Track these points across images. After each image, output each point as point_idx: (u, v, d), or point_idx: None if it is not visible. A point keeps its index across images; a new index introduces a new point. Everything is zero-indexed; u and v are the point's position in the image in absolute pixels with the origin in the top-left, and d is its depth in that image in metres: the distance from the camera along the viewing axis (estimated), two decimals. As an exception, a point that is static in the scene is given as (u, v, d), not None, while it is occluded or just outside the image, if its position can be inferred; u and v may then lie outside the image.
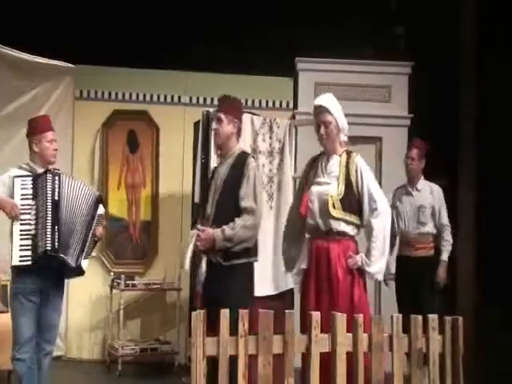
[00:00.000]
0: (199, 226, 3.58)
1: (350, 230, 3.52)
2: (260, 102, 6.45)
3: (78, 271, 3.81)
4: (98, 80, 6.26)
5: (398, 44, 6.34)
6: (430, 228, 4.95)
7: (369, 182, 3.56)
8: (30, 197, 3.66)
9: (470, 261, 6.16)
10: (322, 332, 2.77)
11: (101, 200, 3.98)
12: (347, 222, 3.50)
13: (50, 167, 3.81)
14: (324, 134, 3.58)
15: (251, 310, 2.79)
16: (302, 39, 5.88)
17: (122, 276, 5.67)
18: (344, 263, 3.46)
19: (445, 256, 4.92)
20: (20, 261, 3.56)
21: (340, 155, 3.62)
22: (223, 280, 3.45)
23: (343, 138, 3.65)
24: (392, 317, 2.90)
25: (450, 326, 2.96)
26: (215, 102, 6.32)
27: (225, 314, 2.71)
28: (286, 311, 2.82)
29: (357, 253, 3.52)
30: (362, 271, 3.48)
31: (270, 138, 5.30)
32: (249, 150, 5.16)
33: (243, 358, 2.69)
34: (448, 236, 4.96)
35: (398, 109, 6.17)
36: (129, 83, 6.29)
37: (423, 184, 5.07)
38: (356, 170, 3.56)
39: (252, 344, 2.70)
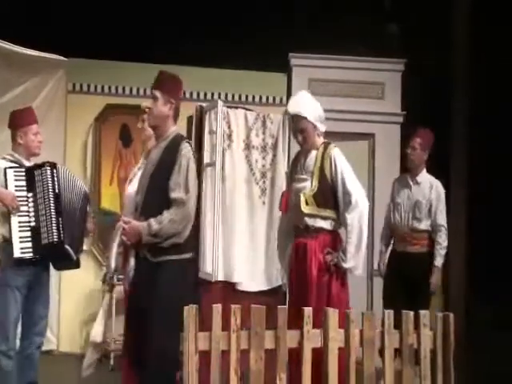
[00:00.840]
0: (124, 218, 3.37)
1: (327, 225, 3.47)
2: (254, 98, 6.45)
3: (77, 264, 3.87)
4: (90, 73, 6.23)
5: (392, 41, 6.34)
6: (425, 225, 4.69)
7: (344, 175, 3.47)
8: (25, 188, 3.67)
9: (461, 260, 6.18)
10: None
11: (88, 196, 4.04)
12: (323, 218, 3.46)
13: (32, 159, 3.82)
14: (301, 140, 3.59)
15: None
16: (296, 35, 5.89)
17: (115, 270, 5.65)
18: (321, 259, 3.43)
19: (438, 261, 4.63)
20: (21, 253, 3.58)
21: (318, 148, 3.58)
22: (151, 277, 3.16)
23: (321, 129, 3.60)
24: (383, 312, 2.92)
25: (441, 322, 2.98)
26: (208, 96, 6.37)
27: (217, 308, 2.71)
28: (278, 306, 2.83)
29: (337, 246, 3.48)
30: (337, 267, 3.46)
31: (264, 133, 5.29)
32: (242, 145, 5.17)
33: (235, 352, 2.69)
34: (441, 238, 4.65)
35: (391, 106, 6.20)
36: (122, 77, 6.27)
37: (424, 177, 4.77)
38: (331, 163, 3.49)
39: (244, 339, 2.71)
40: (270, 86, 6.39)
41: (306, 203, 3.45)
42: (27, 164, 3.81)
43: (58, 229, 3.63)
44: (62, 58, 6.03)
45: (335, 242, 3.51)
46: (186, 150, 3.22)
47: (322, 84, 6.16)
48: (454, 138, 6.35)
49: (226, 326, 2.71)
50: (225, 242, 4.90)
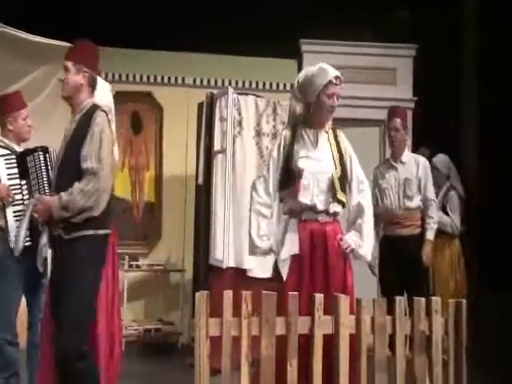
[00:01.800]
0: (37, 195, 3.28)
1: (340, 210, 3.36)
2: (264, 84, 6.43)
3: None
4: (100, 61, 6.20)
5: (403, 26, 6.28)
6: (417, 202, 4.59)
7: (356, 162, 3.42)
8: (17, 176, 3.59)
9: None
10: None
11: None
12: (340, 203, 3.34)
13: (22, 144, 3.74)
14: (333, 108, 3.35)
15: None
16: (307, 21, 5.84)
17: (126, 257, 5.69)
18: (337, 246, 3.29)
19: (430, 235, 4.56)
20: (21, 241, 3.48)
21: (327, 131, 3.42)
22: (64, 256, 3.01)
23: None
24: (396, 299, 2.91)
25: (453, 308, 2.97)
26: (219, 83, 6.35)
27: (228, 294, 2.72)
28: (289, 293, 2.82)
29: (341, 232, 3.37)
30: (351, 254, 3.34)
31: (274, 120, 5.28)
32: (252, 132, 5.15)
33: (246, 339, 2.70)
34: (433, 212, 4.61)
35: (402, 91, 6.15)
36: (132, 64, 6.26)
37: (408, 156, 4.70)
38: (345, 150, 3.40)
39: (255, 325, 2.72)
40: (281, 72, 6.35)
41: (335, 186, 3.29)
42: (18, 149, 3.73)
43: None
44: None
45: (340, 227, 3.42)
46: (100, 118, 3.07)
47: (332, 70, 6.12)
48: (465, 123, 6.29)
49: (236, 313, 2.72)
50: (235, 228, 4.91)
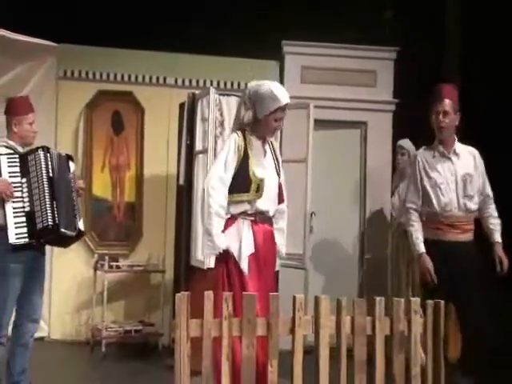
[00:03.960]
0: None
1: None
2: (246, 85, 6.40)
3: (79, 235, 3.90)
4: (82, 60, 6.18)
5: (384, 29, 6.34)
6: (475, 204, 3.91)
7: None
8: (19, 174, 3.68)
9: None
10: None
11: (70, 157, 4.03)
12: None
13: (28, 148, 3.82)
14: (278, 130, 3.76)
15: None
16: (289, 22, 5.86)
17: (106, 257, 5.66)
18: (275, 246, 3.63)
19: (498, 236, 3.89)
20: (17, 238, 3.58)
21: (268, 141, 3.64)
22: None
23: None
24: (375, 299, 2.94)
25: (431, 309, 3.01)
26: (201, 83, 6.34)
27: (208, 295, 2.72)
28: (270, 294, 2.84)
29: None
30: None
31: (256, 120, 5.28)
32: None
33: (227, 339, 2.71)
34: (495, 210, 3.96)
35: (383, 94, 6.20)
36: (113, 63, 6.22)
37: (460, 146, 3.96)
38: (279, 158, 3.70)
39: (236, 326, 2.73)
40: (263, 73, 6.35)
41: (280, 193, 3.62)
42: (21, 151, 3.81)
43: (52, 212, 3.64)
44: (52, 43, 5.97)
45: None
46: None
47: (314, 72, 6.14)
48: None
49: (219, 313, 2.72)
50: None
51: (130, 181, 6.27)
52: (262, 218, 3.51)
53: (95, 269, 5.75)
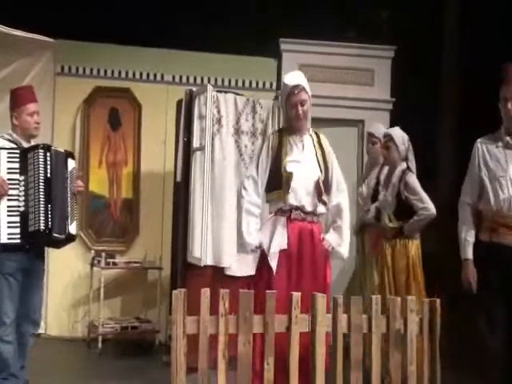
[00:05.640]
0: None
1: (324, 210, 3.55)
2: (244, 82, 6.42)
3: (70, 238, 3.72)
4: (79, 56, 6.17)
5: (382, 27, 6.34)
6: None
7: (336, 164, 3.61)
8: (18, 171, 3.54)
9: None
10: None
11: (69, 155, 3.84)
12: (324, 203, 3.53)
13: (32, 141, 3.70)
14: (302, 113, 3.49)
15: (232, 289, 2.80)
16: (286, 20, 5.86)
17: (103, 254, 5.66)
18: (320, 244, 3.47)
19: None
20: (8, 238, 3.48)
21: (310, 135, 3.60)
22: None
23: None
24: (371, 298, 2.95)
25: (427, 308, 3.02)
26: (198, 81, 6.34)
27: (205, 292, 2.72)
28: (267, 291, 2.84)
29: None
30: (330, 252, 3.52)
31: (253, 118, 5.28)
32: (231, 130, 5.16)
33: (223, 336, 2.71)
34: None
35: (380, 92, 6.21)
36: (111, 60, 6.21)
37: None
38: (328, 152, 3.59)
39: (232, 323, 2.73)
40: (260, 71, 6.36)
41: (321, 189, 3.47)
42: (25, 145, 3.68)
43: (45, 216, 3.51)
44: (50, 39, 5.96)
45: (322, 227, 3.59)
46: None
47: (311, 70, 6.14)
48: (442, 127, 6.37)
49: (216, 311, 2.73)
50: (214, 226, 4.91)
51: (127, 177, 6.27)
52: (298, 214, 3.45)
53: (92, 265, 5.75)
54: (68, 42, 6.05)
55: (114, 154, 6.28)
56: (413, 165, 4.44)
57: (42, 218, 3.50)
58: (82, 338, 5.82)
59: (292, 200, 3.44)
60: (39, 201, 3.51)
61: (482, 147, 3.42)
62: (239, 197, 3.54)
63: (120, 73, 6.27)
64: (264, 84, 6.41)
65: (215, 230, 4.91)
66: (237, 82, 6.39)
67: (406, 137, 4.45)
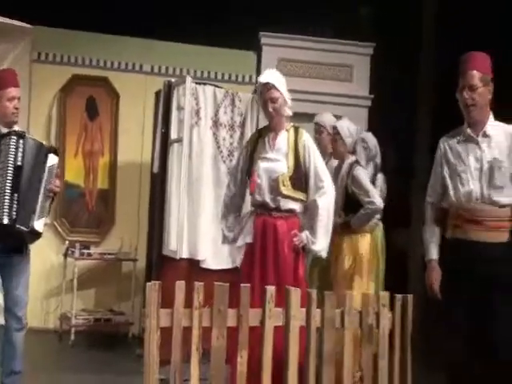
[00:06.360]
0: None
1: (297, 207, 3.55)
2: (223, 75, 6.41)
3: (34, 234, 3.51)
4: (57, 43, 6.09)
5: (362, 24, 6.37)
6: (508, 195, 3.09)
7: (316, 160, 3.58)
8: None
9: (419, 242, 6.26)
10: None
11: (52, 150, 3.63)
12: (295, 200, 3.53)
13: (15, 127, 3.53)
14: (273, 111, 3.55)
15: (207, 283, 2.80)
16: (266, 14, 5.84)
17: (77, 245, 5.61)
18: (290, 240, 3.48)
19: None
20: None
21: (287, 130, 3.62)
22: None
23: (288, 112, 3.62)
24: (347, 293, 2.97)
25: (400, 303, 3.05)
26: (177, 72, 6.30)
27: (180, 285, 2.72)
28: (241, 285, 2.85)
29: (301, 229, 3.55)
30: (304, 249, 3.52)
31: (232, 111, 5.27)
32: (210, 123, 5.14)
33: (197, 329, 2.71)
34: None
35: (359, 88, 6.24)
36: (89, 48, 6.15)
37: (494, 126, 3.17)
38: (304, 147, 3.57)
39: (206, 316, 2.73)
40: (240, 64, 6.35)
41: (283, 184, 3.50)
42: (4, 131, 3.49)
43: (9, 208, 3.34)
44: (27, 25, 5.86)
45: (299, 224, 3.58)
46: None
47: (291, 64, 6.16)
48: (419, 129, 6.41)
49: (190, 304, 2.72)
50: (190, 219, 4.90)
51: (104, 167, 6.22)
52: (263, 210, 3.52)
53: (66, 256, 5.70)
54: (46, 28, 5.96)
55: (91, 144, 6.22)
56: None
57: (5, 210, 3.33)
58: (54, 329, 5.77)
59: (257, 196, 3.55)
60: (5, 191, 3.34)
61: (444, 145, 3.28)
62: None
63: (98, 62, 6.22)
64: (243, 77, 6.40)
65: (191, 223, 4.89)
66: (216, 74, 6.37)
67: (353, 128, 4.33)
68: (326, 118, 4.79)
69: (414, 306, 3.08)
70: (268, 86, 3.55)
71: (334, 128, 4.36)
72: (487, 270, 2.95)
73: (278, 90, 3.55)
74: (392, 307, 3.04)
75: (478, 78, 3.10)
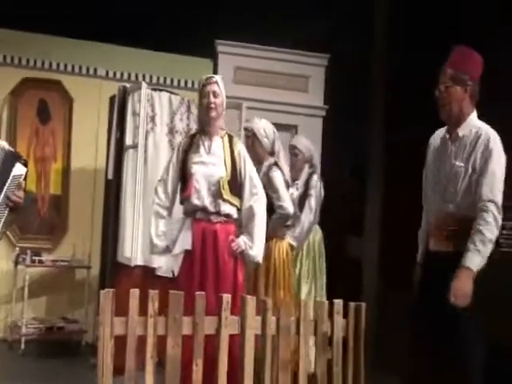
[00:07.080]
0: None
1: (234, 212, 3.56)
2: (179, 82, 6.39)
3: None
4: (7, 44, 5.94)
5: (318, 35, 6.45)
6: (457, 204, 2.85)
7: (250, 169, 3.63)
8: None
9: (374, 250, 6.36)
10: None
11: (19, 158, 3.36)
12: (232, 205, 3.54)
13: None
14: (213, 104, 3.52)
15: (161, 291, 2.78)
16: (223, 22, 5.85)
17: (28, 251, 5.48)
18: (229, 246, 3.48)
19: (469, 259, 2.70)
20: None
21: (222, 137, 3.63)
22: None
23: (223, 120, 3.66)
24: (301, 301, 3.01)
25: (353, 311, 3.11)
26: (133, 77, 6.25)
27: (134, 293, 2.70)
28: (196, 293, 2.84)
29: (237, 236, 3.56)
30: (241, 254, 3.53)
31: (188, 118, 5.26)
32: (165, 129, 5.12)
33: (152, 338, 2.69)
34: (482, 222, 2.71)
35: (314, 99, 6.32)
36: (42, 50, 6.03)
37: (468, 127, 2.89)
38: (240, 156, 3.60)
39: (161, 325, 2.72)
40: (196, 71, 6.33)
41: (223, 188, 3.50)
42: None
43: None
44: None
45: (235, 230, 3.60)
46: None
47: (247, 73, 6.19)
48: (373, 137, 6.51)
49: (145, 312, 2.70)
50: (145, 226, 4.85)
51: (56, 173, 6.10)
52: (202, 215, 3.48)
53: (16, 263, 5.56)
54: (-4, 29, 5.82)
55: (43, 149, 6.10)
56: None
57: None
58: (3, 338, 5.62)
59: (195, 201, 3.49)
60: None
61: (430, 144, 3.09)
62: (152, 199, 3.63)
63: (51, 64, 6.10)
64: (200, 84, 6.38)
65: (146, 230, 4.84)
66: (172, 80, 6.35)
67: (269, 128, 4.15)
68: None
69: (367, 314, 3.14)
70: (212, 80, 3.58)
71: (250, 130, 4.19)
72: (443, 281, 2.73)
73: (220, 89, 3.59)
74: (346, 315, 3.10)
75: (450, 75, 2.90)
